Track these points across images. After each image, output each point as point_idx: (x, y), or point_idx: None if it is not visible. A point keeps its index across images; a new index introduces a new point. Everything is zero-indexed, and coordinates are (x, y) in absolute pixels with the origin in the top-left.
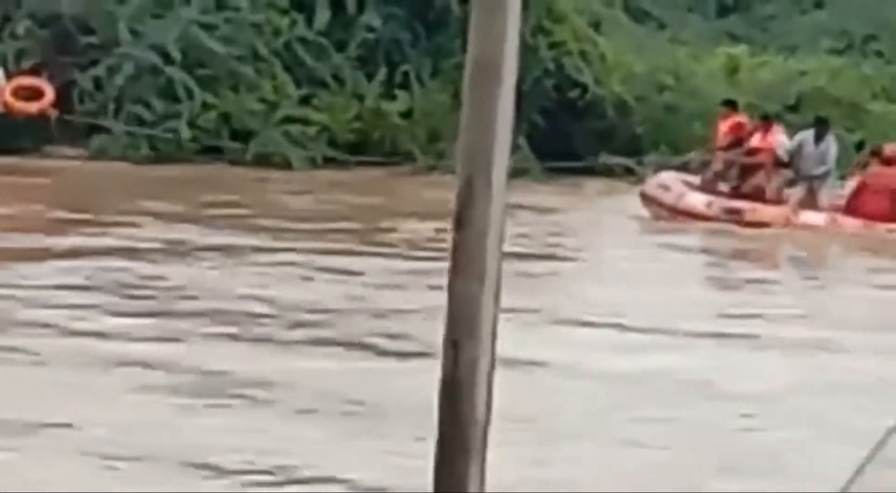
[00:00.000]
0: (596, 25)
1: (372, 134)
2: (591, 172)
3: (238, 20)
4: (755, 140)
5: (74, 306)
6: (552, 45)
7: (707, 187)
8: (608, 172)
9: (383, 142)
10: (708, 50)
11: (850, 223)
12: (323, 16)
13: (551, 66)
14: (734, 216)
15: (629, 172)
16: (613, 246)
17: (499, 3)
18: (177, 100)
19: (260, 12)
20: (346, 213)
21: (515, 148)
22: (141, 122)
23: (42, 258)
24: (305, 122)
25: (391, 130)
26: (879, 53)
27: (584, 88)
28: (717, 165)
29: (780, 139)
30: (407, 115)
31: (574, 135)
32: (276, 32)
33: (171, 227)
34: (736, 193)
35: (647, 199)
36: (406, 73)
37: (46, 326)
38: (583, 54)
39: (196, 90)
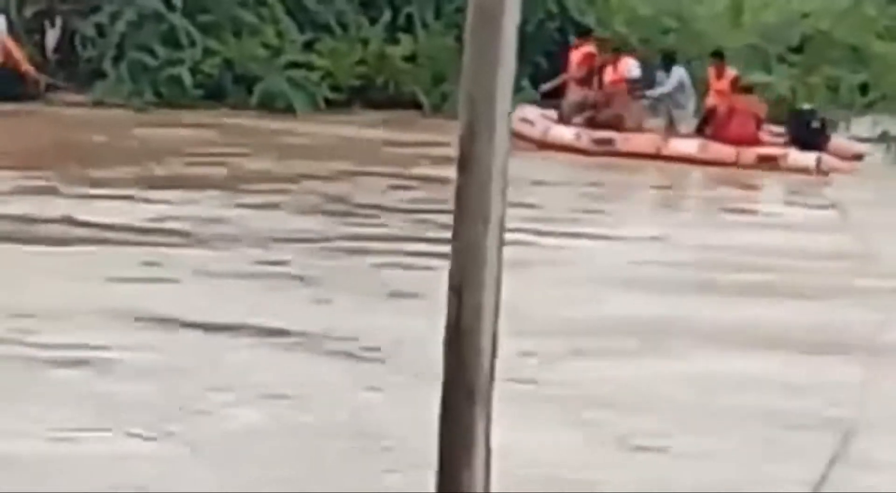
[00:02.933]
0: None
1: (375, 78)
2: None
3: None
4: (608, 74)
5: None
6: None
7: (565, 120)
8: None
9: (387, 86)
10: None
11: (721, 149)
12: None
13: (554, 8)
14: (605, 147)
15: None
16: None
17: None
18: (179, 46)
19: None
20: None
21: (518, 90)
22: (143, 68)
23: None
24: (309, 67)
25: (395, 74)
26: None
27: (588, 31)
28: (574, 97)
29: (630, 65)
30: (411, 58)
31: None
32: None
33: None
34: (594, 124)
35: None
36: (409, 17)
37: None
38: None
39: (198, 36)
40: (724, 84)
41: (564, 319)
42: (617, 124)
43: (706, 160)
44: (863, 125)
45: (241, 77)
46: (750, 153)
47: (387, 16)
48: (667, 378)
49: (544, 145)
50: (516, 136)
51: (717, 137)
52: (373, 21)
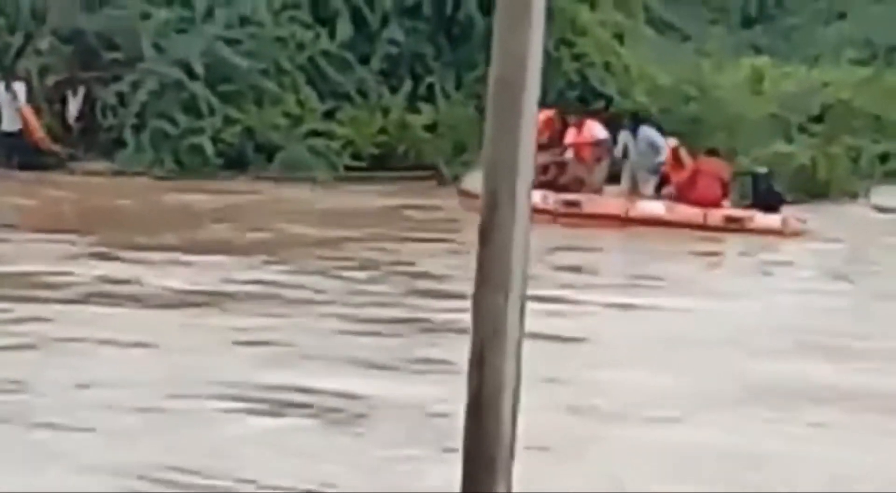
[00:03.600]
0: (619, 37)
1: (396, 147)
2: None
3: (262, 35)
4: (569, 136)
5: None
6: (575, 57)
7: None
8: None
9: (408, 155)
10: (732, 61)
11: (688, 211)
12: (345, 29)
13: (575, 78)
14: (572, 209)
15: None
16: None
17: (522, 20)
18: (200, 115)
19: (283, 27)
20: None
21: None
22: (165, 136)
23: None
24: (330, 135)
25: (416, 143)
26: None
27: (609, 100)
28: (537, 161)
29: (594, 127)
30: (431, 127)
31: None
32: (300, 46)
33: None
34: (554, 187)
35: (470, 195)
36: (431, 86)
37: None
38: (606, 66)
39: (219, 105)
40: (673, 154)
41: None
42: (577, 187)
43: (673, 222)
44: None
45: (261, 145)
46: (717, 215)
47: (408, 85)
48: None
49: None
50: (475, 197)
51: (683, 199)
52: (393, 90)
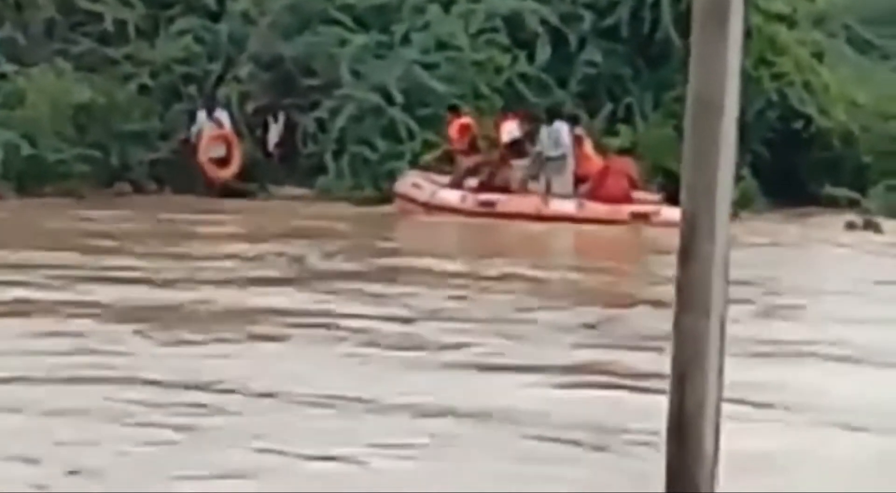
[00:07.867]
0: (819, 56)
1: None
2: (815, 203)
3: (459, 59)
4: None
5: None
6: (775, 77)
7: (455, 185)
8: (832, 204)
9: None
10: None
11: (596, 208)
12: (544, 52)
13: (774, 97)
14: (488, 208)
15: (854, 203)
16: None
17: (719, 40)
18: (399, 140)
19: (481, 50)
20: None
21: (738, 179)
22: (364, 162)
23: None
24: None
25: None
26: None
27: (809, 119)
28: (465, 164)
29: (509, 128)
30: (630, 149)
31: (799, 166)
32: (498, 70)
33: None
34: (487, 187)
35: (400, 197)
36: (629, 107)
37: None
38: (806, 85)
39: (418, 130)
40: (581, 150)
41: None
42: (506, 187)
43: (583, 219)
44: None
45: None
46: (623, 211)
47: (607, 108)
48: None
49: (430, 207)
50: (404, 199)
51: (593, 197)
52: (591, 113)
